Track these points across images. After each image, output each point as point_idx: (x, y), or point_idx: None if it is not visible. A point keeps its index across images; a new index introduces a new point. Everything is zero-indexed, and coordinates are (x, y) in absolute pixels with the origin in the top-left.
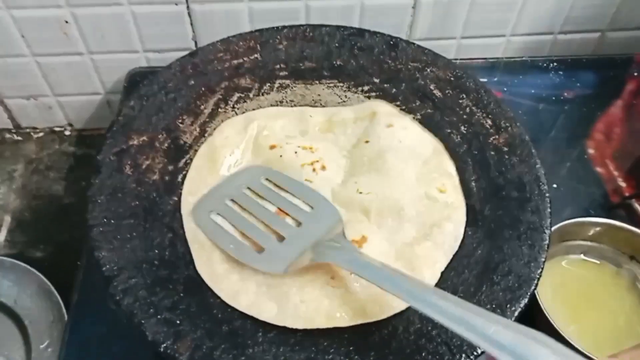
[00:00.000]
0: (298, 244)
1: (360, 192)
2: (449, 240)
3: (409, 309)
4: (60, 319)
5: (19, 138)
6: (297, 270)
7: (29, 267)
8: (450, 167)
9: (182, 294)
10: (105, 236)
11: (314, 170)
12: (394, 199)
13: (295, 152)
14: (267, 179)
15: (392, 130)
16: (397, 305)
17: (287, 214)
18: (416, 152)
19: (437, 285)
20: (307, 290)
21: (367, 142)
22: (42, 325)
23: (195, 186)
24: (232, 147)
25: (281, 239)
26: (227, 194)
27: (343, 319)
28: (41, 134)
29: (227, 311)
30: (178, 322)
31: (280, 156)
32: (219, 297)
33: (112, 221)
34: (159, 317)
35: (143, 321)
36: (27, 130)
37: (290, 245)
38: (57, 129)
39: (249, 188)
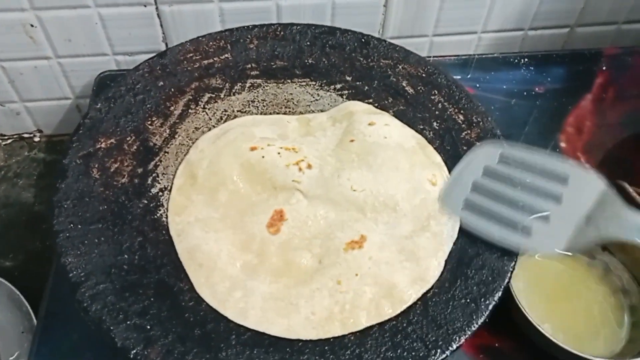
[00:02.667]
0: (569, 219)
1: (354, 190)
2: (446, 229)
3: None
4: (30, 330)
5: None
6: (580, 248)
7: None
8: (437, 157)
9: (152, 299)
10: (72, 242)
11: (300, 169)
12: (388, 195)
13: (279, 153)
14: (502, 162)
15: (375, 127)
16: (408, 299)
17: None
18: (403, 147)
19: None
20: (317, 300)
21: (352, 140)
22: (11, 336)
23: (181, 206)
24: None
25: (546, 219)
26: (470, 178)
27: (359, 324)
28: (9, 141)
29: (199, 314)
30: (148, 327)
31: (263, 157)
32: (191, 301)
33: (79, 226)
34: (128, 322)
35: (112, 327)
36: None
37: (558, 224)
38: (25, 135)
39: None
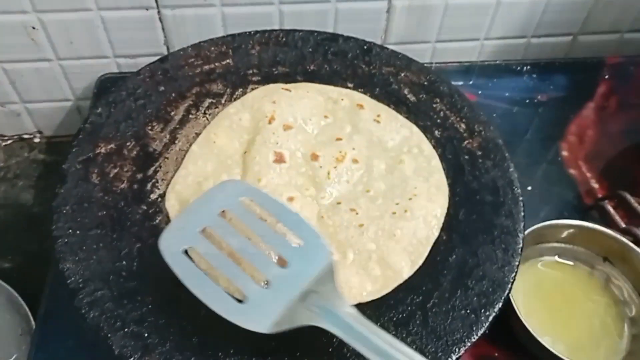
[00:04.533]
0: (285, 292)
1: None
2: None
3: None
4: (28, 332)
5: None
6: (286, 328)
7: None
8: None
9: (150, 306)
10: (71, 247)
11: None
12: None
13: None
14: (246, 199)
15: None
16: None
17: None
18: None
19: (412, 291)
20: None
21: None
22: (9, 338)
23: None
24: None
25: (265, 282)
26: (198, 220)
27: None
28: (9, 142)
29: (197, 322)
30: (146, 335)
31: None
32: (189, 308)
33: (78, 232)
34: (126, 330)
35: (110, 335)
36: None
37: (275, 294)
38: (26, 136)
39: (226, 210)
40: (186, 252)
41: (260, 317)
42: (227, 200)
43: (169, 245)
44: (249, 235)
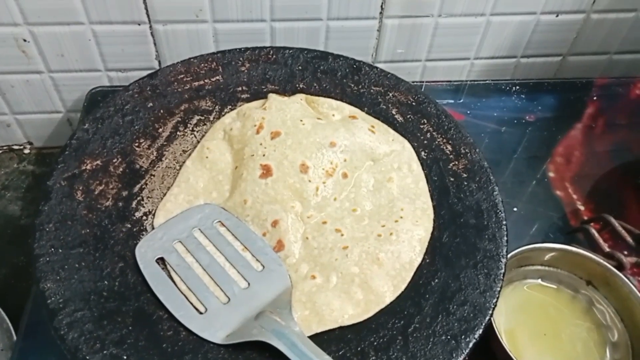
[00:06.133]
0: (242, 309)
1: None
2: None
3: None
4: (10, 347)
5: None
6: (237, 340)
7: None
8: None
9: (130, 327)
10: (52, 267)
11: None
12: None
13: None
14: (220, 222)
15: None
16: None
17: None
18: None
19: (393, 315)
20: None
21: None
22: None
23: None
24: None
25: (225, 299)
26: (175, 234)
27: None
28: None
29: (177, 344)
30: (125, 357)
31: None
32: (169, 330)
33: (60, 250)
34: (105, 352)
35: (88, 357)
36: None
37: (233, 310)
38: (15, 147)
39: (200, 229)
40: (160, 260)
41: (215, 329)
42: (203, 221)
43: (144, 252)
44: (218, 256)
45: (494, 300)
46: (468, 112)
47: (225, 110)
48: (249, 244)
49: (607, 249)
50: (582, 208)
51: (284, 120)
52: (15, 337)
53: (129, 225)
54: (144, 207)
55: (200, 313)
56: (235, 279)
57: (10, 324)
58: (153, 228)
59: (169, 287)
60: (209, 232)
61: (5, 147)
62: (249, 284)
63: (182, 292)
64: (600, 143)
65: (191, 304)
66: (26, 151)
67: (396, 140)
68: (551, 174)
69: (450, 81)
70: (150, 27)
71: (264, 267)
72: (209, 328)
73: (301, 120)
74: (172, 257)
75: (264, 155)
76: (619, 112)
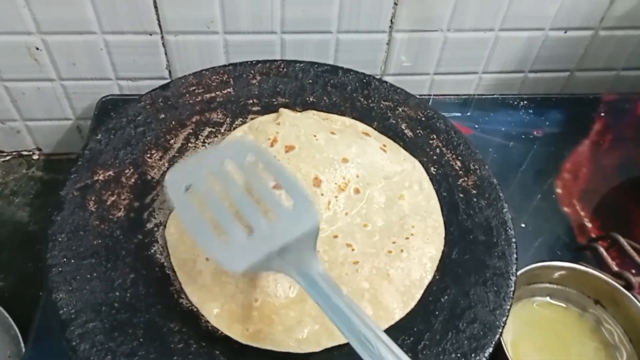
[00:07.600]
0: (266, 243)
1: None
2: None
3: None
4: (17, 354)
5: None
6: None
7: None
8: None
9: (141, 339)
10: (64, 277)
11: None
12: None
13: None
14: (254, 156)
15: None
16: None
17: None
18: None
19: (403, 331)
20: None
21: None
22: None
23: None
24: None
25: (251, 231)
26: (207, 164)
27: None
28: (8, 158)
29: (188, 357)
30: None
31: None
32: (180, 343)
33: (72, 261)
34: None
35: None
36: None
37: (257, 243)
38: (24, 153)
39: (233, 161)
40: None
41: (238, 259)
42: (236, 154)
43: (174, 180)
44: (248, 188)
45: (504, 319)
46: (476, 125)
47: (237, 122)
48: (280, 179)
49: (616, 268)
50: (589, 225)
51: (297, 135)
52: (22, 344)
53: (140, 237)
54: (155, 218)
55: (225, 243)
56: (263, 212)
57: (18, 331)
58: (164, 239)
59: (194, 214)
60: (241, 165)
61: (14, 153)
62: (277, 218)
63: (207, 221)
64: (607, 159)
65: (215, 233)
66: (35, 157)
67: (407, 159)
68: (559, 190)
69: (458, 95)
70: (162, 37)
71: (294, 204)
72: (231, 258)
73: (314, 136)
74: (201, 186)
75: None
76: (626, 128)
